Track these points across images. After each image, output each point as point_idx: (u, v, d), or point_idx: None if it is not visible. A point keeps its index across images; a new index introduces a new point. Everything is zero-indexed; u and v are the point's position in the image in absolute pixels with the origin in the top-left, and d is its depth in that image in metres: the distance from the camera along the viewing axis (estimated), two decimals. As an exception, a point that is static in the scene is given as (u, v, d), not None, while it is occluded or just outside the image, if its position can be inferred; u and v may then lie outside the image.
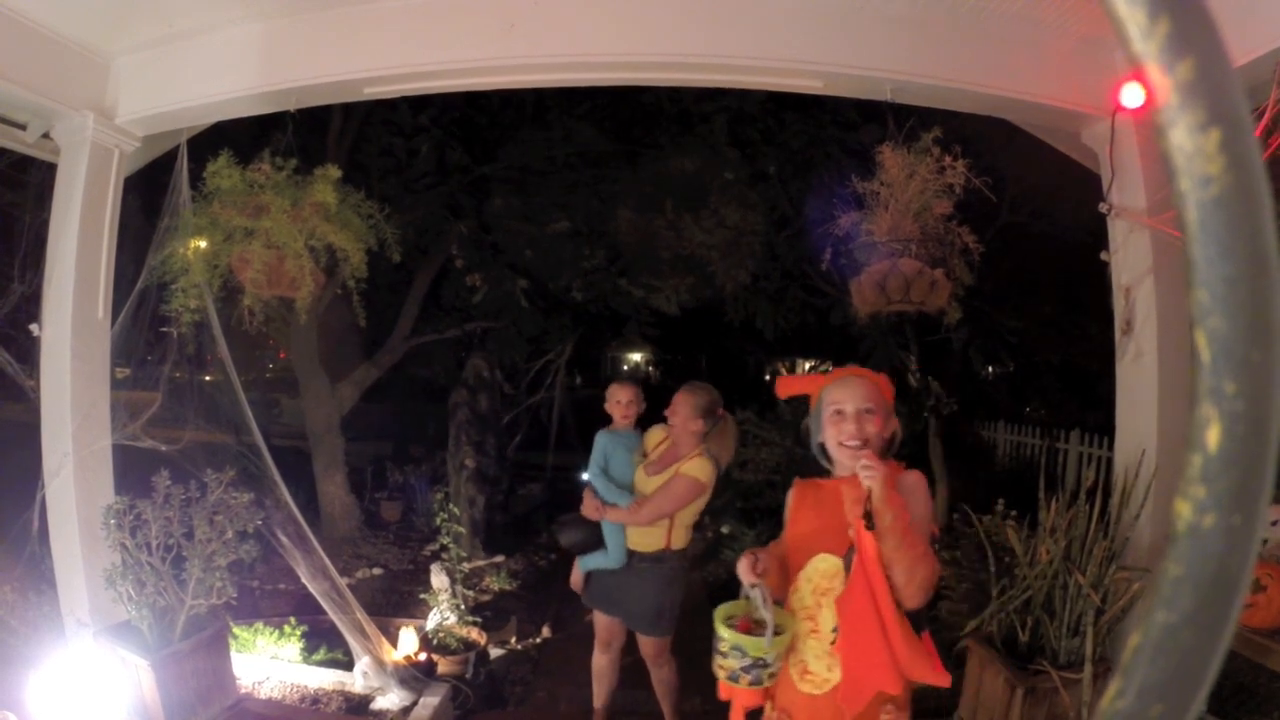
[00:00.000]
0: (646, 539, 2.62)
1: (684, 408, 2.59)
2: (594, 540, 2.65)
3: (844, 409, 1.61)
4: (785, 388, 1.83)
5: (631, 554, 2.64)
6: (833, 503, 1.60)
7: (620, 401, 2.79)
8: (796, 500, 1.74)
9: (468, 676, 3.38)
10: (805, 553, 1.65)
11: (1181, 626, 0.16)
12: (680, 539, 2.64)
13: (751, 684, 1.52)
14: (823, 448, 1.69)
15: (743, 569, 1.55)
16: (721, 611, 1.59)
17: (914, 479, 1.62)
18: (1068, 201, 4.39)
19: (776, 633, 1.52)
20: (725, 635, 1.52)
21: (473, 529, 5.27)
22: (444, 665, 3.36)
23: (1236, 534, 0.16)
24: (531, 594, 4.73)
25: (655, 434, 2.77)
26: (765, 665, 1.51)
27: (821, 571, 1.61)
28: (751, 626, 1.54)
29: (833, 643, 1.59)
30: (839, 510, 1.57)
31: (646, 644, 2.69)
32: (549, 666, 3.69)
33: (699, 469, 2.54)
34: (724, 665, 1.54)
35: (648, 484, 2.63)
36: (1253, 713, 2.59)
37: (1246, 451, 0.16)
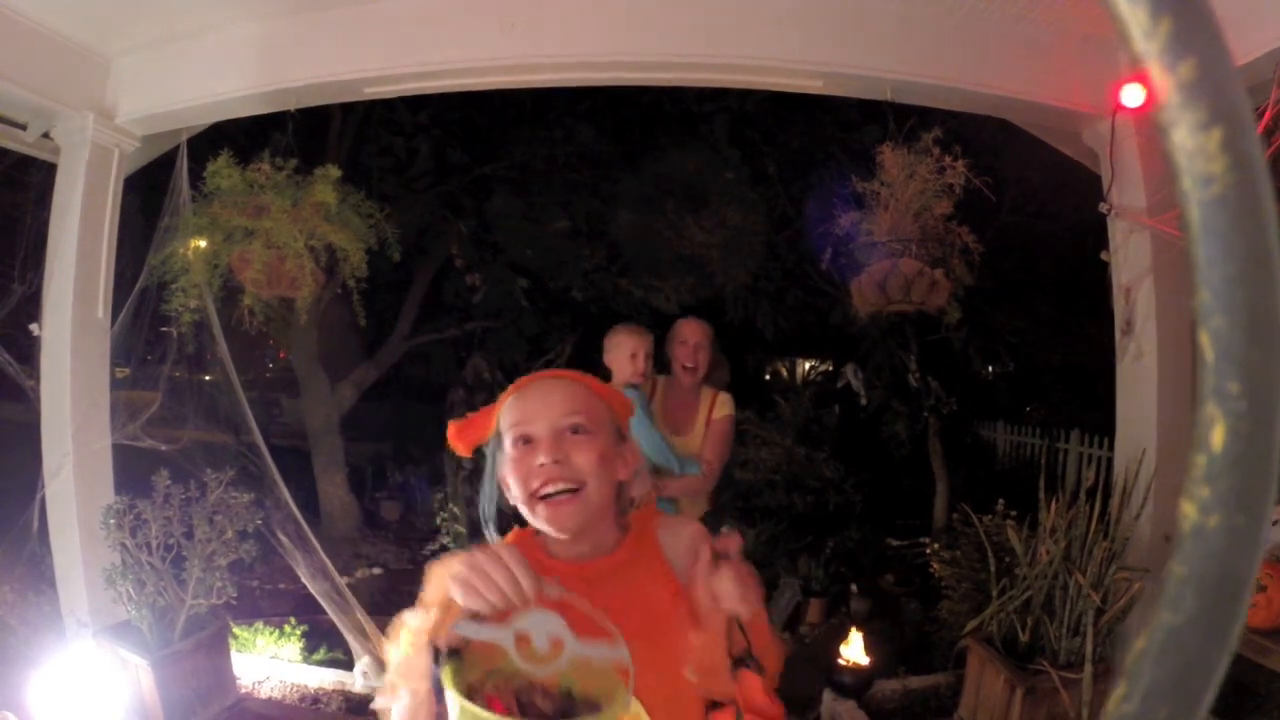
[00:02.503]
0: (692, 509, 2.36)
1: (706, 341, 2.35)
2: None
3: (531, 433, 0.91)
4: (460, 437, 0.99)
5: None
6: (585, 592, 0.78)
7: (633, 352, 2.36)
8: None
9: (468, 676, 3.38)
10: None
11: (1187, 628, 0.16)
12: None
13: None
14: (514, 515, 0.96)
15: (501, 577, 0.72)
16: (451, 675, 0.71)
17: (693, 531, 1.00)
18: (1068, 201, 4.39)
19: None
20: None
21: (471, 529, 5.27)
22: (444, 665, 3.36)
23: (1241, 534, 0.16)
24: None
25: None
26: None
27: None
28: (521, 705, 0.72)
29: None
30: (597, 602, 0.79)
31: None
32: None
33: (731, 405, 2.36)
34: None
35: (682, 444, 2.37)
36: (1253, 713, 2.59)
37: (1251, 451, 0.16)
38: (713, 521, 2.12)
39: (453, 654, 0.73)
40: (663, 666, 0.84)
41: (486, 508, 0.98)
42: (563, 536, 0.91)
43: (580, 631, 0.71)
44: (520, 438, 0.91)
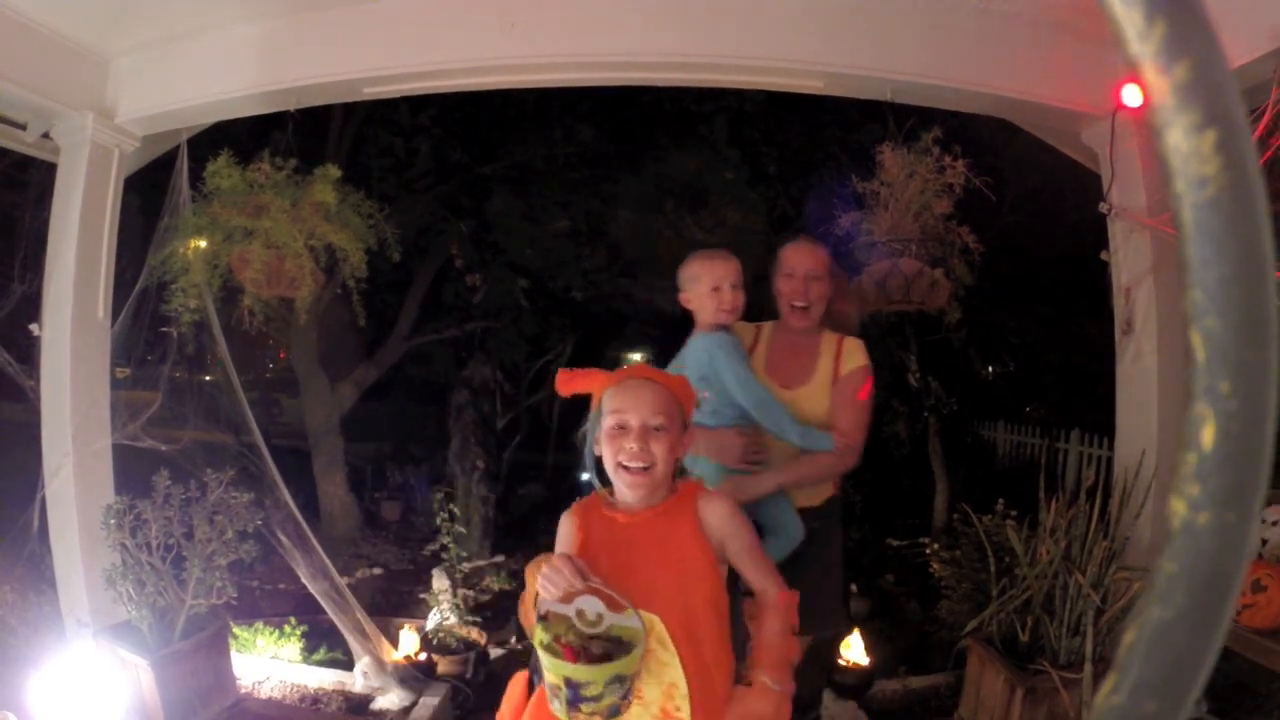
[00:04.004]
0: (811, 495, 1.89)
1: (821, 270, 1.85)
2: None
3: (627, 422, 1.27)
4: (566, 384, 1.37)
5: (800, 512, 1.83)
6: (628, 541, 1.29)
7: (715, 285, 1.82)
8: (576, 535, 1.34)
9: (468, 676, 3.38)
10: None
11: (1176, 623, 0.16)
12: None
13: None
14: (599, 464, 1.33)
15: (561, 576, 1.17)
16: (541, 634, 1.17)
17: (724, 508, 1.32)
18: (1068, 201, 4.39)
19: (624, 645, 1.16)
20: (583, 674, 1.12)
21: (485, 528, 5.29)
22: (444, 665, 3.36)
23: (1230, 531, 0.16)
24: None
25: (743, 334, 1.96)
26: (621, 690, 1.16)
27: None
28: (580, 651, 1.14)
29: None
30: (638, 551, 1.27)
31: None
32: (549, 666, 3.69)
33: (863, 354, 1.88)
34: (593, 708, 1.14)
35: (798, 403, 1.86)
36: (1253, 713, 2.59)
37: (1241, 450, 0.17)
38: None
39: (541, 619, 1.19)
40: (682, 593, 1.25)
41: (588, 460, 1.35)
42: (631, 498, 1.31)
43: (611, 607, 1.16)
44: (618, 424, 1.29)
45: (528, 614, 1.17)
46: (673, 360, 1.95)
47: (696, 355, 1.84)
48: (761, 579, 1.30)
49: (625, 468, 1.27)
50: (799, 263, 1.96)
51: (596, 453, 1.33)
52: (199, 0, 2.44)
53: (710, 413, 1.78)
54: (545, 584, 1.18)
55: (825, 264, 1.97)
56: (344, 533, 5.66)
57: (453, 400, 5.78)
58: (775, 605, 1.28)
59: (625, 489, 1.29)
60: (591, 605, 1.13)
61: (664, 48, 2.47)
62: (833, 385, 1.87)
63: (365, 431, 7.46)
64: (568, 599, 1.16)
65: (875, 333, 5.23)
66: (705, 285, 1.85)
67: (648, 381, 1.31)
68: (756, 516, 1.68)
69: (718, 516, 1.30)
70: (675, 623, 1.22)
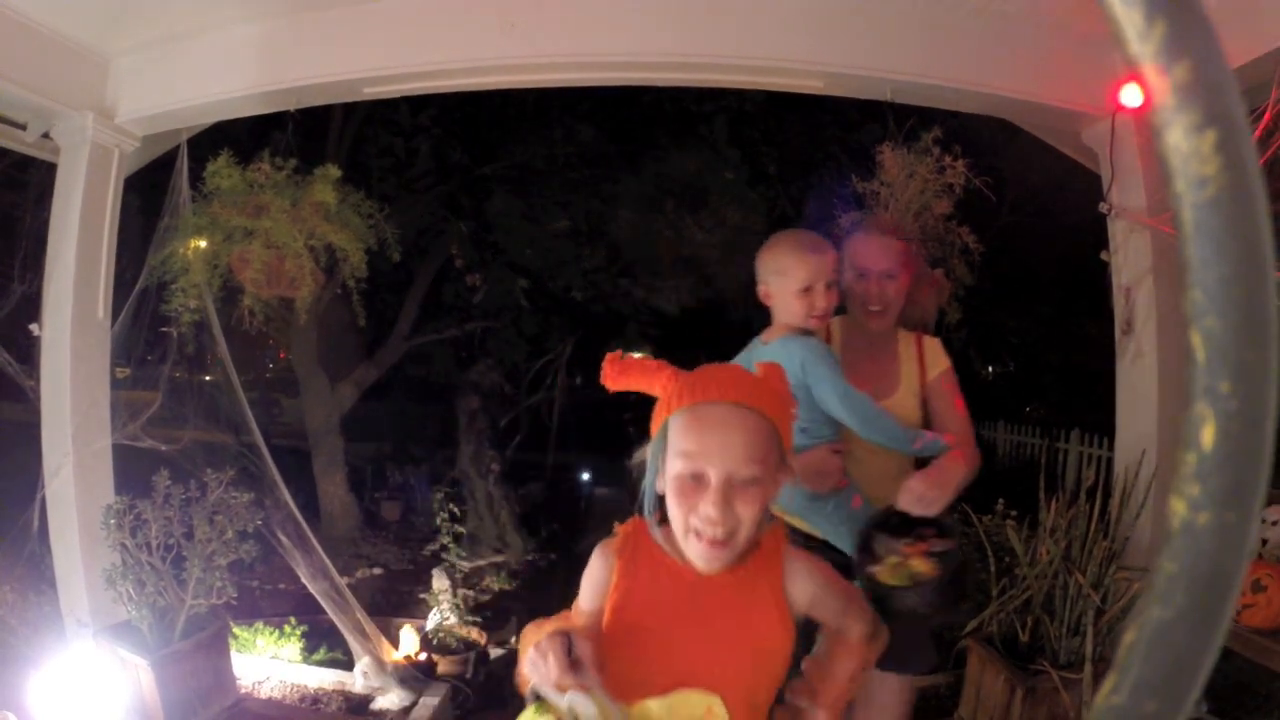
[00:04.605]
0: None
1: (896, 267, 1.62)
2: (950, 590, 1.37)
3: (704, 473, 0.91)
4: (618, 376, 1.04)
5: None
6: (693, 606, 0.97)
7: (807, 284, 1.50)
8: (616, 584, 1.01)
9: (468, 676, 3.38)
10: (646, 676, 0.96)
11: (1175, 623, 0.16)
12: None
13: None
14: (660, 500, 0.98)
15: (545, 663, 0.87)
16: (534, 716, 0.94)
17: (820, 574, 1.02)
18: (1068, 201, 4.39)
19: None
20: None
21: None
22: (444, 665, 3.36)
23: (1230, 531, 0.16)
24: (531, 594, 4.73)
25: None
26: None
27: (686, 716, 0.95)
28: None
29: None
30: (705, 622, 0.96)
31: (889, 688, 1.61)
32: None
33: (945, 354, 1.68)
34: None
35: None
36: (1253, 713, 2.59)
37: (1241, 450, 0.17)
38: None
39: (535, 698, 0.93)
40: (753, 672, 0.96)
41: (647, 499, 1.00)
42: (704, 567, 0.95)
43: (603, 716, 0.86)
44: (691, 474, 0.91)
45: (523, 682, 0.95)
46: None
47: (787, 364, 1.46)
48: (848, 621, 1.04)
49: (696, 535, 0.92)
50: (870, 260, 1.67)
51: (659, 489, 0.97)
52: (199, 0, 2.43)
53: (798, 430, 1.46)
54: (531, 667, 0.90)
55: (899, 257, 1.69)
56: (344, 533, 5.66)
57: (463, 404, 5.78)
58: (857, 648, 1.04)
59: (697, 559, 0.95)
60: (584, 708, 0.88)
61: (664, 48, 2.47)
62: (920, 393, 1.65)
63: (365, 431, 7.46)
64: (559, 688, 0.91)
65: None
66: (794, 283, 1.52)
67: (737, 412, 0.91)
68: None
69: (812, 583, 1.00)
70: (737, 702, 0.95)
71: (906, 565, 1.34)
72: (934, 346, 1.71)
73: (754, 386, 0.95)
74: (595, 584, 1.03)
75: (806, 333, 1.56)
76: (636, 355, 1.03)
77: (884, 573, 1.35)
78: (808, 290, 1.50)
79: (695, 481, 0.91)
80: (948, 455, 1.48)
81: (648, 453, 1.00)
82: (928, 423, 1.67)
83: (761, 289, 1.60)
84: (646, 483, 0.99)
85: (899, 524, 1.42)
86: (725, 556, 0.93)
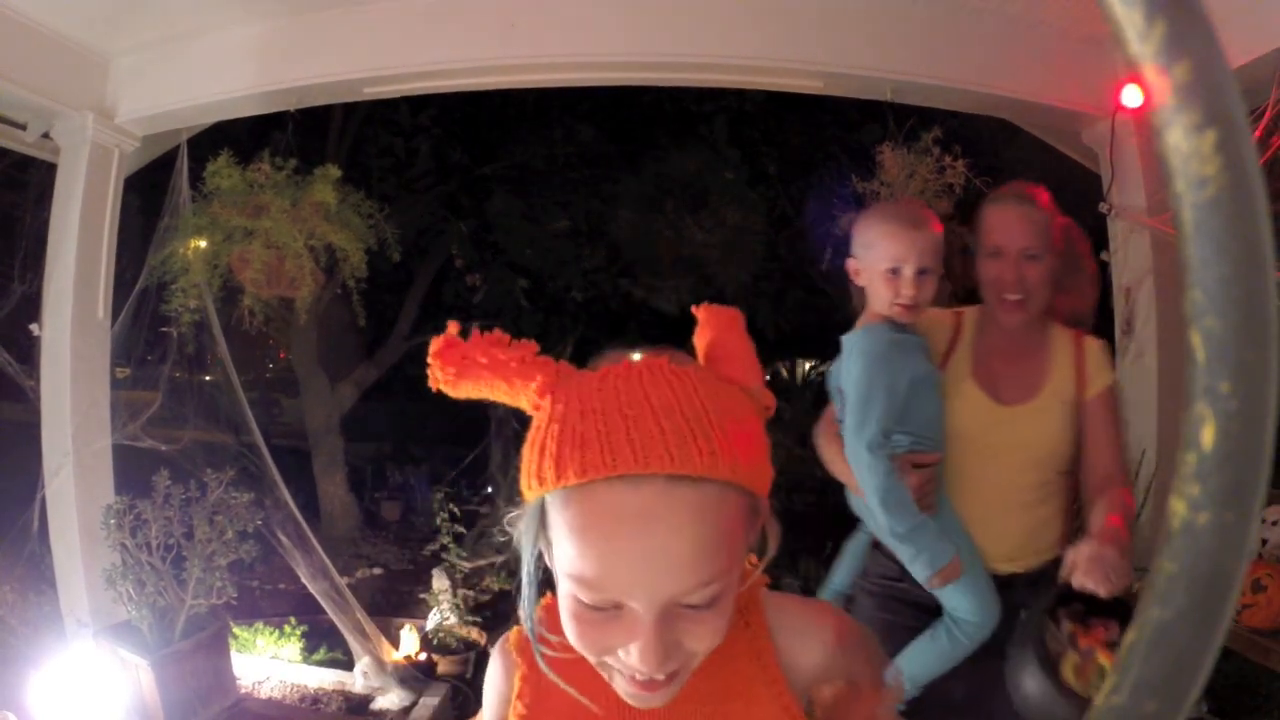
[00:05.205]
0: (1034, 538, 1.31)
1: (1040, 246, 1.30)
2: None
3: (622, 601, 0.53)
4: (457, 380, 0.63)
5: (1005, 584, 1.28)
6: (626, 712, 0.62)
7: (895, 264, 1.25)
8: (525, 690, 0.72)
9: (468, 676, 3.38)
10: None
11: (1176, 623, 0.16)
12: None
13: None
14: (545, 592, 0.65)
15: None
16: None
17: (821, 631, 0.67)
18: (1068, 201, 4.38)
19: None
20: None
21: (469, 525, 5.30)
22: (444, 665, 3.36)
23: (1230, 531, 0.16)
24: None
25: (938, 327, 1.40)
26: None
27: None
28: None
29: None
30: None
31: None
32: (549, 666, 3.69)
33: (1110, 358, 1.37)
34: None
35: (1017, 424, 1.31)
36: (1253, 713, 2.59)
37: (1241, 450, 0.17)
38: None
39: None
40: None
41: (526, 610, 0.64)
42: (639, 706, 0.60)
43: None
44: (599, 603, 0.54)
45: None
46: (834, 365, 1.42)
47: (847, 362, 1.29)
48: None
49: (633, 683, 0.57)
50: (1008, 235, 1.32)
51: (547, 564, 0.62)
52: (199, 1, 2.44)
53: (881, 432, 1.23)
54: None
55: (1047, 233, 1.33)
56: (344, 533, 5.67)
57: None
58: (869, 695, 0.69)
59: (627, 698, 0.59)
60: None
61: (664, 48, 2.47)
62: (1077, 406, 1.32)
63: (365, 431, 7.47)
64: None
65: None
66: (881, 261, 1.26)
67: (677, 494, 0.51)
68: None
69: (818, 642, 0.66)
70: None
71: (1095, 661, 1.01)
72: (1098, 352, 1.35)
73: (706, 429, 0.51)
74: (496, 696, 0.77)
75: (897, 326, 1.28)
76: (485, 334, 0.63)
77: (1070, 677, 1.01)
78: (894, 272, 1.25)
79: (605, 611, 0.54)
80: (1124, 501, 1.13)
81: (520, 530, 0.61)
82: (1064, 446, 1.33)
83: (851, 264, 1.35)
84: (524, 587, 0.63)
85: (1067, 604, 1.06)
86: (670, 692, 0.57)
